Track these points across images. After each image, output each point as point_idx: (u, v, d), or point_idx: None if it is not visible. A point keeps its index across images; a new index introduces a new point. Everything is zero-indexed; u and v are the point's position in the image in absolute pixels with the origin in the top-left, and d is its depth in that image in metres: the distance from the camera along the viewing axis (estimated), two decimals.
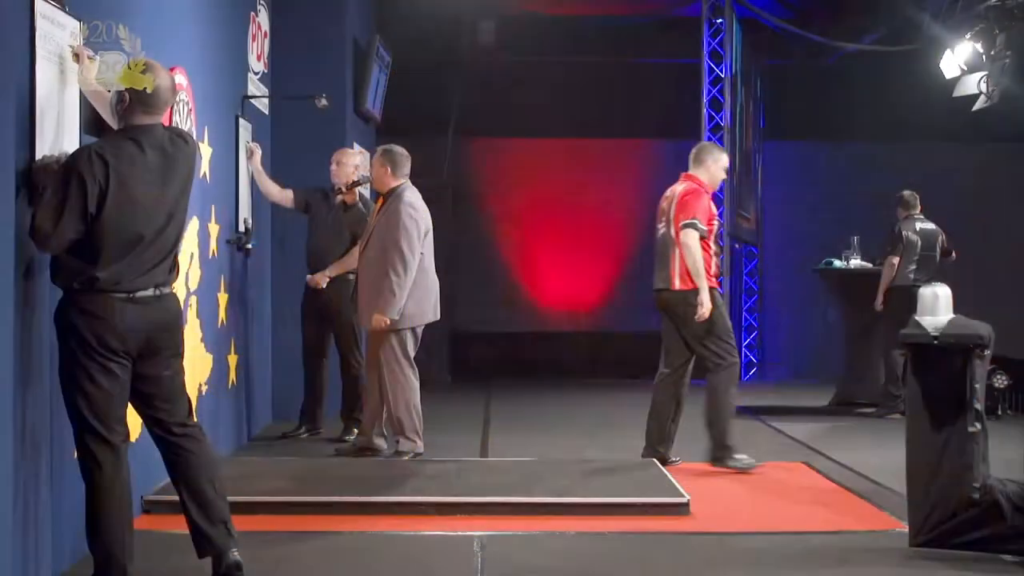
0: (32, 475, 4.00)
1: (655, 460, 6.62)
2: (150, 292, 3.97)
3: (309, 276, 7.47)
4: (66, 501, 4.34)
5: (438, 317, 6.84)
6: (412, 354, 6.72)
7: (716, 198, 13.39)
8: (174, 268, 4.14)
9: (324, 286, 7.39)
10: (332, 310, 7.42)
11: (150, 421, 4.15)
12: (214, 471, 4.15)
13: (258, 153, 7.33)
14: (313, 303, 7.51)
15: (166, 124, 5.57)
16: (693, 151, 7.00)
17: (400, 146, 6.91)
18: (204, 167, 6.33)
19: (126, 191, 3.86)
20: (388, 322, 6.52)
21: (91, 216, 3.82)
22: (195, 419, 4.23)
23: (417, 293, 6.63)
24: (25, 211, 3.92)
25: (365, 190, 7.94)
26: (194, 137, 4.34)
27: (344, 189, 7.32)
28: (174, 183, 4.03)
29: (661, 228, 6.80)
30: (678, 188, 6.82)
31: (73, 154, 3.99)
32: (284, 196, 7.48)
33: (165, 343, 4.06)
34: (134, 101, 3.96)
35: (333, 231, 7.39)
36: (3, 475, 3.77)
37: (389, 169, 6.77)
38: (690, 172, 6.90)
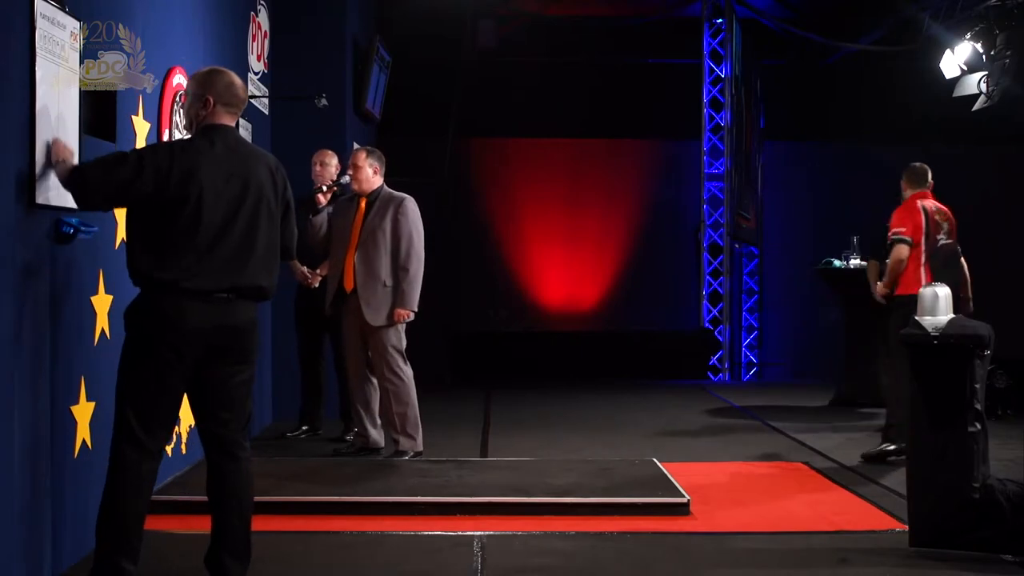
0: (32, 475, 4.00)
1: (653, 460, 6.57)
2: (221, 294, 3.94)
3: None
4: (67, 502, 4.33)
5: None
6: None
7: (718, 199, 13.53)
8: (260, 278, 4.08)
9: (316, 285, 7.36)
10: (325, 310, 7.39)
11: (205, 430, 4.09)
12: (248, 499, 4.12)
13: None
14: (306, 303, 7.49)
15: (165, 123, 5.62)
16: (918, 172, 7.27)
17: (385, 147, 6.96)
18: None
19: (189, 177, 3.88)
20: (410, 314, 6.64)
21: (141, 195, 3.84)
22: (248, 444, 4.17)
23: None
24: (26, 212, 3.93)
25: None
26: (283, 170, 4.27)
27: (324, 189, 7.29)
28: (241, 183, 4.00)
29: (942, 239, 7.07)
30: (939, 205, 7.19)
31: None
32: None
33: (231, 346, 4.01)
34: (216, 103, 4.04)
35: (324, 231, 7.36)
36: (4, 475, 3.77)
37: (379, 168, 6.81)
38: (926, 190, 7.22)
